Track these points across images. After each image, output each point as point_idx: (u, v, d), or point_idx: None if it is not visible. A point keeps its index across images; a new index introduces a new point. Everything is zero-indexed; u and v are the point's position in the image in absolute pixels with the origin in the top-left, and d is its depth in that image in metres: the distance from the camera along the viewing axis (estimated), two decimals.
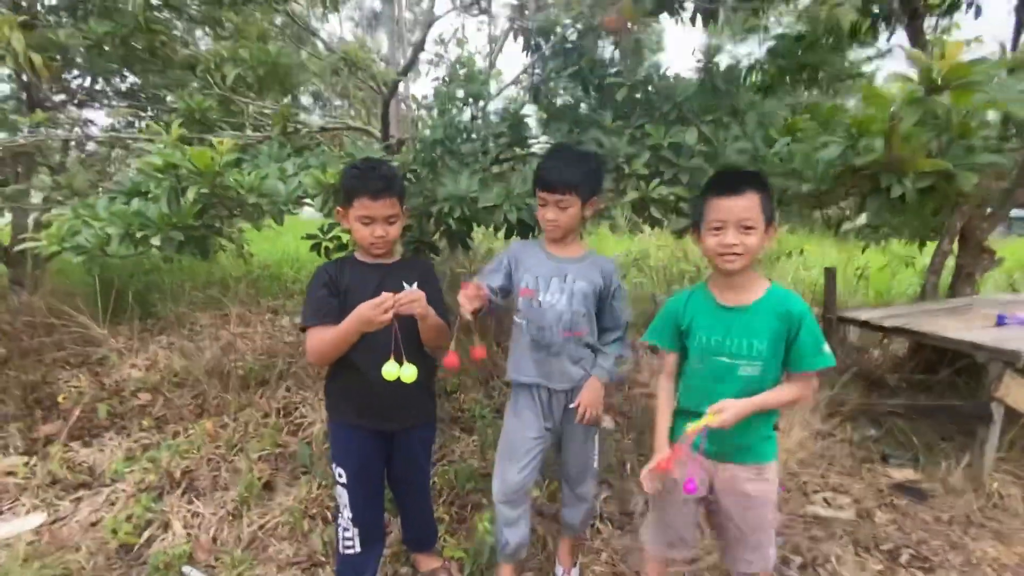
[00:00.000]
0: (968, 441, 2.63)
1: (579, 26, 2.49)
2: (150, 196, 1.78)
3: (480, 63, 3.41)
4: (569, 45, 2.63)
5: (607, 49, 2.52)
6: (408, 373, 1.47)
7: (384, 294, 1.44)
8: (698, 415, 1.34)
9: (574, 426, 1.74)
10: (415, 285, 1.68)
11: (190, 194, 1.61)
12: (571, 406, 1.65)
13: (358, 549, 1.73)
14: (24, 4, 3.77)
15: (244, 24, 2.26)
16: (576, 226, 1.72)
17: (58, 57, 3.43)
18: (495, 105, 2.81)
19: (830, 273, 3.12)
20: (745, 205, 1.31)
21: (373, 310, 1.43)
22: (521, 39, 2.95)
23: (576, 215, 1.66)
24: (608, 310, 1.73)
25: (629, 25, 1.65)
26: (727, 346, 1.39)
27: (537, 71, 2.60)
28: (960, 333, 2.53)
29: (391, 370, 1.46)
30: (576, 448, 1.77)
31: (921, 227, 3.58)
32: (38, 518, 2.24)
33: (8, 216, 3.96)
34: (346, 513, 1.71)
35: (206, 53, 2.17)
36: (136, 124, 4.04)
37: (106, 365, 3.52)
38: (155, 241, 1.68)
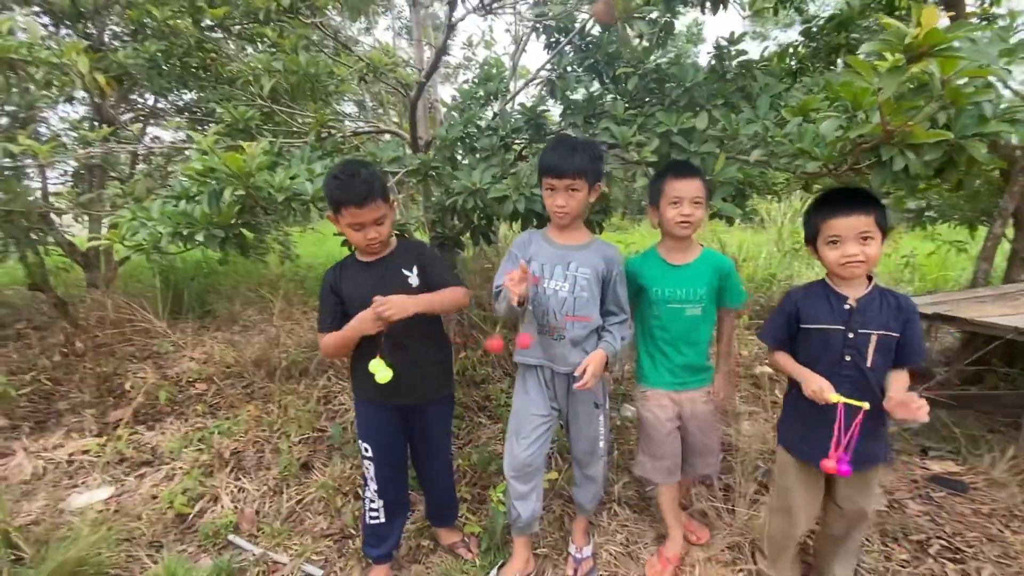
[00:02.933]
0: (1016, 434, 2.48)
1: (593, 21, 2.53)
2: (196, 198, 1.97)
3: (508, 63, 3.52)
4: (586, 40, 2.68)
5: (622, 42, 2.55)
6: (382, 375, 1.60)
7: (366, 312, 1.58)
8: (661, 353, 1.85)
9: (578, 406, 1.80)
10: (415, 271, 1.75)
11: (226, 194, 1.77)
12: (575, 373, 1.66)
13: (383, 520, 1.85)
14: (93, 32, 4.19)
15: (279, 38, 2.44)
16: (582, 211, 1.77)
17: (124, 78, 3.80)
18: (517, 102, 2.89)
19: None
20: (697, 185, 1.72)
21: (362, 323, 1.60)
22: (543, 37, 3.04)
23: (584, 200, 1.72)
24: (611, 295, 1.77)
25: (616, 16, 1.68)
26: (677, 294, 1.80)
27: (554, 67, 2.66)
28: (1005, 318, 2.39)
29: (373, 364, 1.61)
30: (581, 428, 1.82)
31: (971, 210, 3.39)
32: (107, 491, 2.50)
33: (84, 224, 4.37)
34: (372, 486, 1.83)
35: (245, 66, 2.36)
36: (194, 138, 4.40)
37: (168, 358, 3.85)
38: (199, 238, 1.86)
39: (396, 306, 1.56)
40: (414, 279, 1.75)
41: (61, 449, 2.83)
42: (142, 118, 4.69)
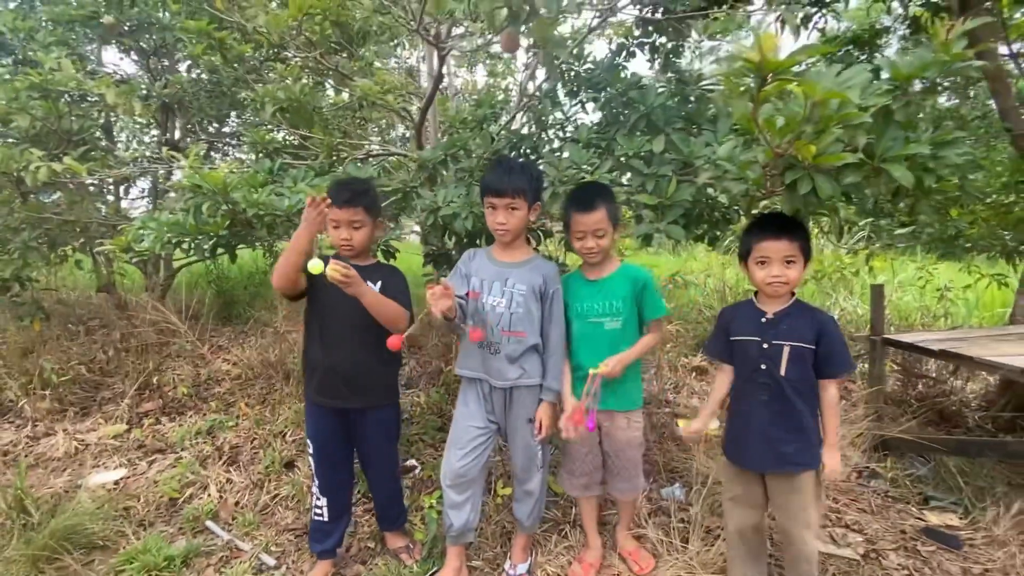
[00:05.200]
0: None
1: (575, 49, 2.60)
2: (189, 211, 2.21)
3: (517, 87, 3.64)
4: (565, 66, 2.75)
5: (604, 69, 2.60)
6: (314, 265, 1.60)
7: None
8: (584, 370, 1.77)
9: (516, 420, 1.83)
10: (379, 284, 1.89)
11: (204, 208, 1.99)
12: (534, 437, 1.82)
13: (326, 518, 1.95)
14: (167, 64, 4.76)
15: (286, 71, 2.71)
16: (523, 229, 1.83)
17: (187, 104, 4.29)
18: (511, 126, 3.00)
19: (877, 290, 2.81)
20: (597, 219, 1.75)
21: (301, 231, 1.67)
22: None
23: (524, 218, 1.79)
24: (547, 312, 1.82)
25: (522, 45, 1.75)
26: (595, 309, 1.83)
27: (539, 92, 2.75)
28: (1012, 358, 2.16)
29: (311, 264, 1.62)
30: (519, 443, 1.85)
31: (1013, 239, 3.09)
32: (120, 473, 2.78)
33: None
34: (316, 482, 1.94)
35: (251, 94, 2.63)
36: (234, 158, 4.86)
37: (205, 359, 4.21)
38: (184, 246, 2.08)
39: (351, 274, 1.64)
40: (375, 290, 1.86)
41: (93, 433, 3.19)
42: (206, 142, 5.24)
